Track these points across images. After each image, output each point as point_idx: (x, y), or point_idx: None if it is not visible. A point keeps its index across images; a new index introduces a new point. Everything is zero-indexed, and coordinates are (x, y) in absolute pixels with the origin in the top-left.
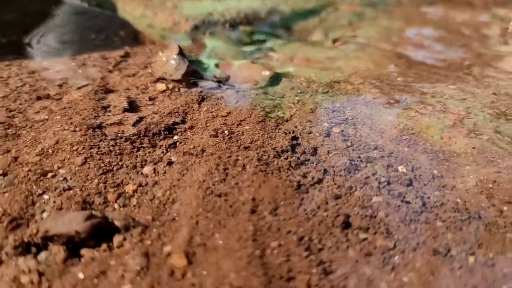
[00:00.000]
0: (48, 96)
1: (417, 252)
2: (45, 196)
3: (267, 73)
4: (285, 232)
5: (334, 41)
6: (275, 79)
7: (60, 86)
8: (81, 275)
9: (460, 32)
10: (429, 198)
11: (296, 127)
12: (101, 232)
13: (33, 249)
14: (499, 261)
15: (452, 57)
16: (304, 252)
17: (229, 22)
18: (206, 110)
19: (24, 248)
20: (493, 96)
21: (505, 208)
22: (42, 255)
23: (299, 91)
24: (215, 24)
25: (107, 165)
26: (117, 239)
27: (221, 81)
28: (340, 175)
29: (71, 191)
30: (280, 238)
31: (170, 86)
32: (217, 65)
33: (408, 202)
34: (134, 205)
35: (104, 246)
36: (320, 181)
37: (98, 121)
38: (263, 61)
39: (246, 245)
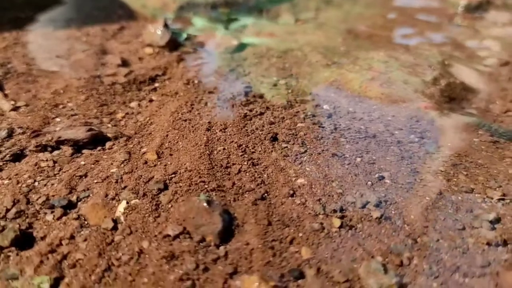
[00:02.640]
0: (59, 56)
1: (321, 155)
2: (57, 119)
3: (235, 42)
4: (229, 141)
5: (297, 20)
6: (242, 47)
7: (69, 49)
8: (82, 162)
9: (413, 15)
10: (340, 125)
11: (251, 79)
12: (97, 140)
13: (49, 149)
14: (379, 162)
15: (395, 34)
16: (240, 153)
17: (210, 4)
18: (182, 67)
19: (42, 147)
20: (412, 60)
21: (396, 132)
22: (55, 152)
23: (258, 56)
24: (198, 6)
25: (104, 101)
26: (108, 144)
27: (197, 47)
28: (278, 111)
29: (77, 116)
30: (224, 144)
31: (156, 50)
32: (195, 36)
33: (323, 127)
34: (122, 125)
35: (99, 148)
36: (261, 113)
37: (98, 72)
38: (235, 34)
39: (199, 148)
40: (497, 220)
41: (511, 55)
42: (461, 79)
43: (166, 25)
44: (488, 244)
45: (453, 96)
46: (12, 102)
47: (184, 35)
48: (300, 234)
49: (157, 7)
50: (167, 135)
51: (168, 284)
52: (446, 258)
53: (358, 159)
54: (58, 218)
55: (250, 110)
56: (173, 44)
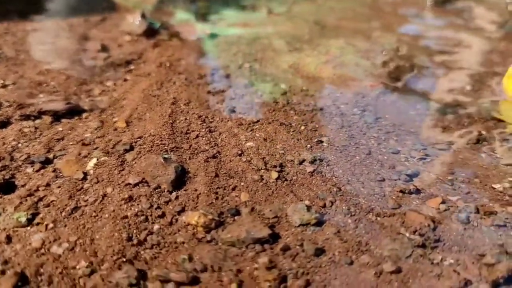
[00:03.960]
0: (45, 43)
1: (270, 124)
2: (41, 95)
3: (208, 31)
4: (191, 113)
5: (270, 13)
6: (215, 35)
7: (54, 37)
8: (60, 129)
9: (382, 9)
10: (292, 100)
11: (219, 63)
12: (75, 111)
13: (32, 118)
14: (321, 129)
15: (360, 25)
16: (200, 122)
17: None
18: (157, 52)
19: (26, 117)
20: (368, 46)
21: (342, 106)
22: (37, 121)
23: (229, 43)
24: None
25: (83, 81)
26: (85, 115)
27: (173, 36)
28: (239, 89)
29: (58, 93)
30: (186, 115)
31: (135, 38)
32: (172, 26)
33: (277, 102)
34: (98, 100)
35: (76, 117)
36: (224, 91)
37: (79, 56)
38: (211, 25)
39: (164, 118)
40: (415, 174)
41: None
42: (411, 63)
43: (143, 16)
44: (402, 192)
45: (400, 77)
46: (1, 81)
47: (159, 25)
48: (242, 184)
49: (139, 0)
50: (136, 108)
51: (125, 219)
52: (363, 202)
53: (303, 127)
54: (37, 171)
55: (214, 88)
56: (150, 32)
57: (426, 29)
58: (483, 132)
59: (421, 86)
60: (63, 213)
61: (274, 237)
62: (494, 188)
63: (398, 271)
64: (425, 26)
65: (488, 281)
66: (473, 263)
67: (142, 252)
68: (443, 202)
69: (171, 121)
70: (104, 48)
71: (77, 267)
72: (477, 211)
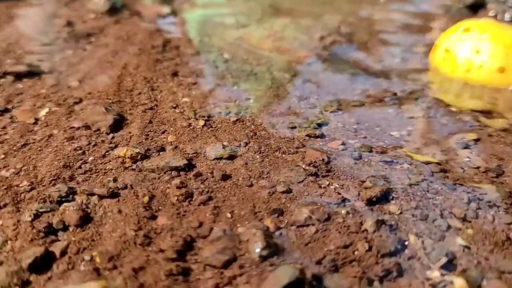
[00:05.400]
0: (16, 19)
1: (207, 85)
2: (8, 60)
3: (167, 10)
4: (138, 76)
5: None
6: (173, 14)
7: (24, 15)
8: (20, 86)
9: None
10: (232, 67)
11: (172, 37)
12: (35, 73)
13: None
14: (251, 89)
15: (313, 9)
16: (144, 82)
17: None
18: (117, 28)
19: None
20: (310, 24)
21: (274, 72)
22: (1, 80)
23: (185, 21)
24: None
25: (46, 50)
26: (43, 76)
27: (134, 14)
28: (186, 57)
29: (22, 59)
30: (133, 77)
31: (99, 16)
32: (134, 5)
33: (217, 67)
34: (57, 65)
35: (36, 78)
36: (172, 59)
37: (47, 29)
38: (172, 5)
39: (113, 79)
40: (325, 124)
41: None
42: (348, 39)
43: None
44: (308, 136)
45: (333, 50)
46: None
47: (122, 4)
48: (171, 129)
49: None
50: (90, 71)
51: (65, 152)
52: (273, 143)
53: (235, 87)
54: None
55: (164, 56)
56: (113, 11)
57: (374, 13)
58: (397, 93)
59: (352, 57)
60: (14, 148)
61: (189, 167)
62: (392, 135)
63: (288, 191)
64: (375, 11)
65: (364, 200)
66: (355, 187)
67: (75, 176)
68: (343, 144)
69: (119, 81)
70: (69, 24)
71: (20, 185)
72: (370, 151)
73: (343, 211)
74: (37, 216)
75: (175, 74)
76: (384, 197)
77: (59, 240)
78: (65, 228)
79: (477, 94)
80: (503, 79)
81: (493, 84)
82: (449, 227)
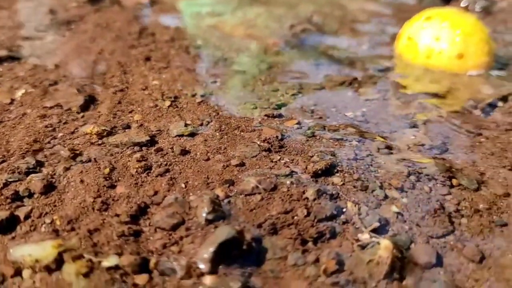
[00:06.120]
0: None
1: (177, 69)
2: None
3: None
4: (112, 60)
5: None
6: (153, 3)
7: (9, 4)
8: (0, 69)
9: None
10: (203, 52)
11: (149, 24)
12: (16, 58)
13: None
14: (219, 73)
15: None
16: (118, 67)
17: None
18: (97, 16)
19: None
20: (283, 13)
21: (243, 57)
22: None
23: (162, 10)
24: None
25: (27, 36)
26: (23, 60)
27: (114, 3)
28: (161, 43)
29: (3, 44)
30: (108, 61)
31: (81, 4)
32: None
33: (189, 53)
34: (37, 49)
35: (16, 62)
36: (147, 45)
37: (30, 17)
38: None
39: (87, 63)
40: (284, 105)
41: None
42: (319, 28)
43: None
44: (267, 115)
45: (303, 37)
46: None
47: None
48: (139, 109)
49: None
50: (67, 55)
51: (36, 129)
52: (233, 122)
53: (204, 71)
54: None
55: (139, 43)
56: (94, 0)
57: (349, 3)
58: (358, 78)
59: (321, 45)
60: None
61: (151, 143)
62: (346, 115)
63: (241, 164)
64: (350, 1)
65: (310, 172)
66: (303, 161)
67: (44, 150)
68: (298, 123)
69: (93, 65)
70: (51, 12)
71: None
72: (323, 129)
73: (288, 182)
74: (5, 185)
75: (148, 59)
76: (329, 170)
77: (24, 206)
78: (30, 195)
79: (436, 79)
80: (461, 65)
81: (452, 70)
82: (386, 196)
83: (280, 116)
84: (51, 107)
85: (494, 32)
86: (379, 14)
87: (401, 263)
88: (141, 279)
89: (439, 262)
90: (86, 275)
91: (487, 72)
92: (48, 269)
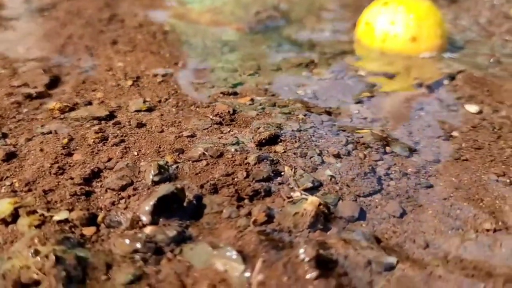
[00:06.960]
0: None
1: (142, 52)
2: None
3: None
4: (81, 44)
5: None
6: None
7: None
8: None
9: None
10: (170, 36)
11: (123, 11)
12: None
13: None
14: (183, 56)
15: None
16: (86, 50)
17: None
18: (70, 4)
19: None
20: (250, 0)
21: (207, 42)
22: None
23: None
24: None
25: (3, 24)
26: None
27: None
28: (129, 29)
29: None
30: (76, 46)
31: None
32: None
33: (155, 38)
34: (9, 33)
35: None
36: (116, 30)
37: (7, 5)
38: None
39: (57, 47)
40: (240, 84)
41: None
42: (284, 15)
43: None
44: (222, 93)
45: (266, 24)
46: None
47: None
48: (102, 88)
49: None
50: (38, 40)
51: (2, 105)
52: (190, 99)
53: (168, 55)
54: None
55: (108, 28)
56: None
57: None
58: (315, 60)
59: (284, 31)
60: None
61: (110, 117)
62: (297, 93)
63: (193, 136)
64: None
65: (255, 142)
66: (251, 133)
67: (8, 124)
68: (251, 100)
69: (62, 48)
70: (26, 1)
71: None
72: (274, 105)
73: (233, 149)
74: None
75: (114, 42)
76: (273, 139)
77: None
78: None
79: (389, 61)
80: (415, 48)
81: (406, 52)
82: (322, 162)
83: (235, 94)
84: (18, 86)
85: (456, 18)
86: (346, 2)
87: (326, 216)
88: (89, 230)
89: (362, 216)
90: (37, 226)
91: (440, 54)
92: (5, 222)
